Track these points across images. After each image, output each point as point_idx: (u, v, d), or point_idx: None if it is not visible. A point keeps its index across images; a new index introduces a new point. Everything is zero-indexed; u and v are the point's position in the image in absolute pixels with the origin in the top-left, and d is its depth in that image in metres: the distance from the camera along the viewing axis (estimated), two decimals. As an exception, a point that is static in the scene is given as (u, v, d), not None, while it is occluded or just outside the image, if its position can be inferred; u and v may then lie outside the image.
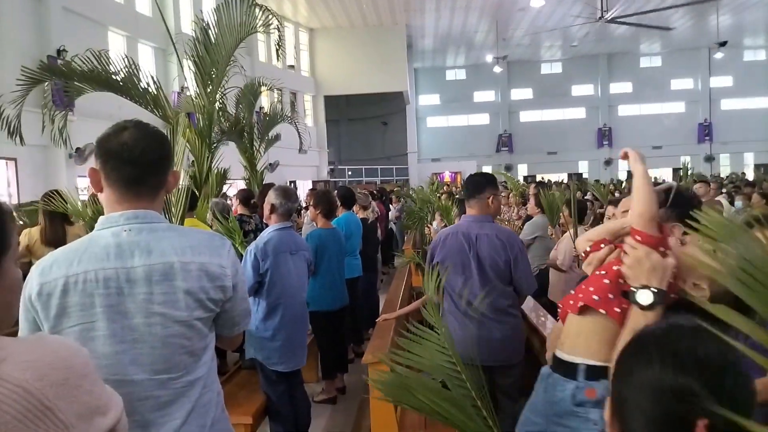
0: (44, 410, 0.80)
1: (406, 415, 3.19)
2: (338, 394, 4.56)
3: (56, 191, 4.32)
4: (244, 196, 5.20)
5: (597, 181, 18.55)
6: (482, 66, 29.53)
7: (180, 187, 3.28)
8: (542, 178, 22.29)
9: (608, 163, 29.89)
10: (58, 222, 4.22)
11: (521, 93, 31.10)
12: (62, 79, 5.42)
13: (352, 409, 4.39)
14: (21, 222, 5.46)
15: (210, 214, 4.76)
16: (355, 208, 6.04)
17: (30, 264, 2.48)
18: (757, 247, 0.81)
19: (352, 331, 5.39)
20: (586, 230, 4.42)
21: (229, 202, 5.84)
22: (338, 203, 5.43)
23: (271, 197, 3.28)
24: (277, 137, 8.24)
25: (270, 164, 14.91)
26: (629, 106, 30.49)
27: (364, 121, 29.73)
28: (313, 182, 22.13)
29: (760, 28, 26.32)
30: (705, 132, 29.74)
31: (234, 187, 7.32)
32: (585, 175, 28.22)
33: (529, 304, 4.53)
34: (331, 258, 4.44)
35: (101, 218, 1.46)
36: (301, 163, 20.37)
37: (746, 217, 1.10)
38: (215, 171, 5.98)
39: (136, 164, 1.43)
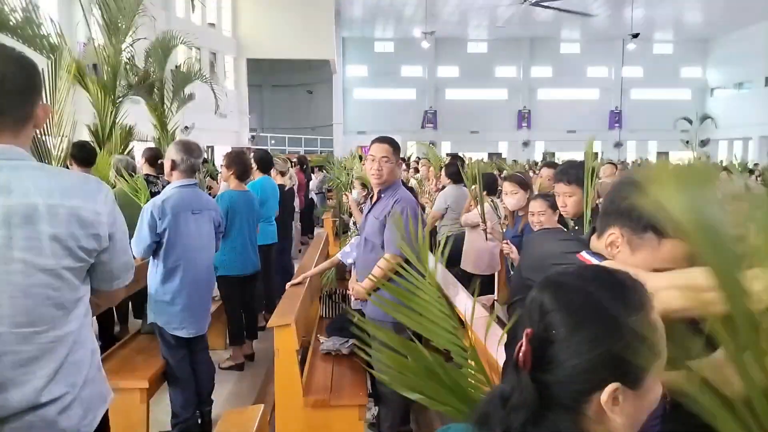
0: None
1: (312, 380, 3.17)
2: (246, 360, 4.47)
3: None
4: (151, 155, 4.88)
5: (515, 161, 19.21)
6: (410, 40, 29.50)
7: (61, 138, 3.03)
8: (463, 156, 22.76)
9: (526, 144, 31.03)
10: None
11: (448, 71, 31.43)
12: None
13: (259, 376, 4.32)
14: None
15: (113, 171, 4.45)
16: (273, 173, 5.87)
17: None
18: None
19: (265, 298, 5.28)
20: (493, 201, 4.57)
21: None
22: (254, 166, 5.25)
23: (171, 152, 3.07)
24: (191, 96, 7.83)
25: (186, 126, 14.22)
26: (548, 90, 31.65)
27: (289, 88, 28.97)
28: (233, 148, 21.39)
29: (669, 23, 28.01)
30: (615, 119, 31.48)
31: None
32: (504, 155, 29.15)
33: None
34: (242, 222, 4.29)
35: None
36: (220, 127, 19.59)
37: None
38: (119, 128, 5.62)
39: None
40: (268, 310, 5.44)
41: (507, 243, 3.55)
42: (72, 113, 3.94)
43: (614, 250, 1.18)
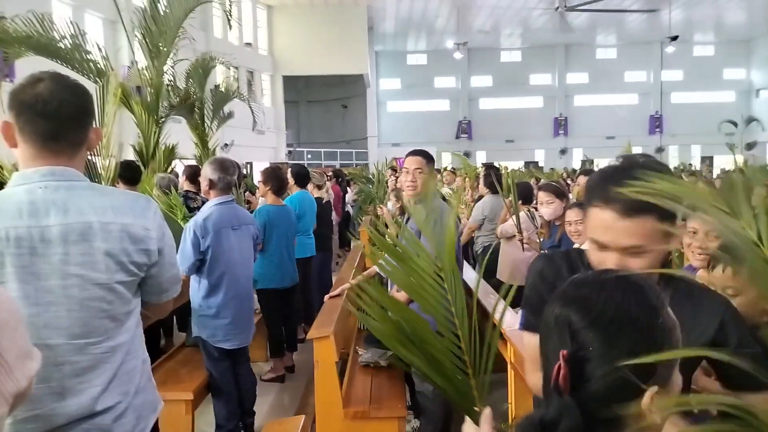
0: None
1: (351, 392, 3.19)
2: (287, 372, 4.53)
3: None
4: (192, 172, 5.05)
5: (552, 169, 18.94)
6: (443, 52, 29.55)
7: (109, 160, 3.16)
8: (499, 165, 22.57)
9: (563, 152, 30.55)
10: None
11: (481, 80, 31.32)
12: (-1, 43, 5.13)
13: (299, 388, 4.37)
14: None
15: (156, 189, 4.62)
16: (309, 187, 5.96)
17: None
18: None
19: (304, 311, 5.34)
20: (530, 211, 4.52)
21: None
22: (291, 181, 5.36)
23: (208, 171, 3.17)
24: (230, 115, 8.05)
25: (226, 144, 14.59)
26: (585, 97, 31.13)
27: (324, 103, 29.39)
28: (271, 164, 21.77)
29: (709, 24, 27.25)
30: (656, 124, 30.70)
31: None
32: (541, 164, 28.76)
33: (471, 275, 4.60)
34: (280, 235, 4.37)
35: (15, 174, 1.38)
36: (258, 144, 20.01)
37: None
38: (163, 146, 5.81)
39: (53, 118, 1.34)
40: (307, 322, 5.51)
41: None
42: (119, 134, 4.12)
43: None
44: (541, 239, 4.23)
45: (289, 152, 25.35)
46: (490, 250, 5.08)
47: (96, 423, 1.38)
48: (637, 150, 10.90)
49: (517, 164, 26.88)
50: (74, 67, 5.27)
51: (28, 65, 4.75)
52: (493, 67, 31.08)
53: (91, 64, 5.35)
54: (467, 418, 1.09)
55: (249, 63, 21.38)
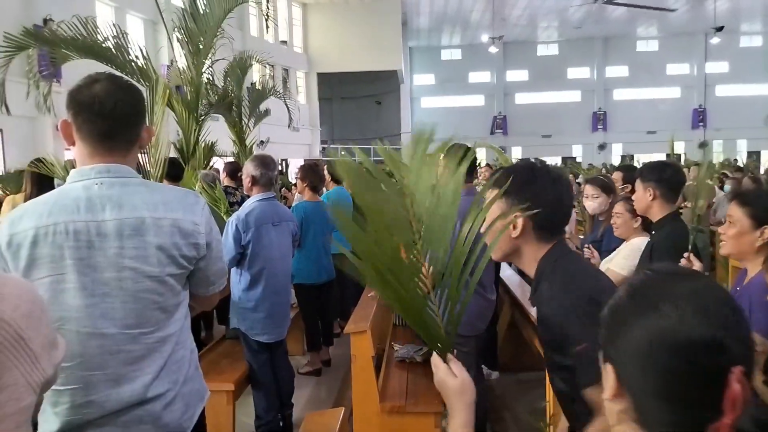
0: (18, 339, 0.82)
1: (387, 387, 3.22)
2: (323, 366, 4.59)
3: (42, 158, 4.27)
4: (232, 169, 5.17)
5: (591, 165, 18.57)
6: (478, 46, 29.27)
7: (159, 155, 3.26)
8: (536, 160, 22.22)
9: (602, 147, 29.89)
10: (45, 189, 4.16)
11: (517, 74, 30.91)
12: (47, 46, 5.33)
13: (336, 381, 4.42)
14: (4, 192, 5.42)
15: (199, 184, 4.73)
16: (346, 183, 6.01)
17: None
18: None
19: (339, 306, 5.40)
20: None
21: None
22: (327, 177, 5.41)
23: (250, 168, 3.24)
24: (267, 112, 8.15)
25: (262, 141, 14.81)
26: (624, 90, 30.39)
27: (358, 99, 29.49)
28: (305, 160, 22.03)
29: (756, 13, 26.19)
30: (699, 118, 29.75)
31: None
32: (579, 159, 28.23)
33: (514, 280, 4.57)
34: (316, 231, 4.43)
35: (72, 171, 1.45)
36: (293, 141, 20.23)
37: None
38: (202, 144, 5.94)
39: (108, 118, 1.41)
40: (342, 317, 5.57)
41: (588, 248, 3.46)
42: (167, 133, 4.24)
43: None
44: (581, 235, 4.17)
45: (324, 148, 25.56)
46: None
47: (147, 409, 1.43)
48: (680, 145, 10.58)
49: (554, 160, 26.46)
50: (117, 67, 5.43)
51: (73, 67, 4.94)
52: (529, 60, 30.63)
53: (133, 64, 5.50)
54: (434, 354, 1.12)
55: (284, 61, 21.64)
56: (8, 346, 0.80)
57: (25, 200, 4.18)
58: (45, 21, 10.43)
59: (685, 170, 6.77)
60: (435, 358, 1.11)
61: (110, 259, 1.38)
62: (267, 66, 10.87)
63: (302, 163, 21.86)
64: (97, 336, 1.38)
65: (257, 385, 3.32)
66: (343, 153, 26.41)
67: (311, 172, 4.60)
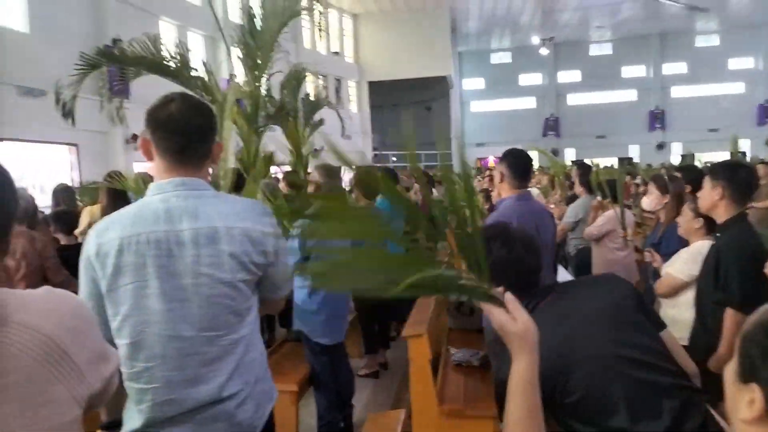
0: (62, 354, 0.85)
1: (445, 390, 3.26)
2: (380, 369, 4.68)
3: (117, 172, 4.57)
4: (290, 179, 5.35)
5: (648, 165, 17.96)
6: (528, 48, 28.89)
7: (227, 166, 3.44)
8: (591, 162, 21.72)
9: (660, 146, 28.81)
10: (119, 201, 4.45)
11: (569, 75, 30.26)
12: (117, 64, 5.68)
13: (393, 384, 4.50)
14: (81, 203, 5.80)
15: (260, 194, 4.93)
16: (398, 189, 6.09)
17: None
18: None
19: (395, 309, 5.47)
20: (622, 209, 4.38)
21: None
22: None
23: (316, 176, 3.38)
24: (321, 122, 8.36)
25: (315, 149, 15.17)
26: (683, 87, 29.21)
27: (408, 106, 29.63)
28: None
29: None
30: (765, 114, 28.23)
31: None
32: (636, 160, 27.30)
33: (566, 277, 4.54)
34: (372, 237, 4.52)
35: (151, 185, 1.56)
36: (345, 148, 20.36)
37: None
38: (262, 154, 6.17)
39: (182, 135, 1.52)
40: (398, 320, 5.64)
41: (650, 251, 3.42)
42: (234, 146, 4.44)
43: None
44: (632, 238, 4.13)
45: (375, 156, 25.80)
46: (581, 253, 4.97)
47: (221, 408, 1.52)
48: (745, 143, 10.10)
49: (609, 161, 25.71)
50: (182, 82, 5.72)
51: (141, 83, 5.26)
52: (581, 61, 29.95)
53: (196, 79, 5.78)
54: (486, 305, 1.04)
55: (336, 71, 22.05)
56: (52, 361, 0.84)
57: (101, 212, 4.48)
58: (114, 41, 11.06)
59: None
60: (486, 305, 1.04)
61: (187, 266, 1.47)
62: (320, 77, 11.12)
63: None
64: (176, 339, 1.47)
65: (319, 386, 3.44)
66: (394, 159, 26.60)
67: (363, 180, 4.71)
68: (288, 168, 7.29)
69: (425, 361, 3.14)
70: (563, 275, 4.67)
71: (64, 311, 0.91)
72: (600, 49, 30.11)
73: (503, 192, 3.07)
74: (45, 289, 0.95)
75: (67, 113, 5.19)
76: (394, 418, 2.43)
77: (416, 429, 3.10)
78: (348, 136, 10.42)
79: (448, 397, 3.18)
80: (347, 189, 8.03)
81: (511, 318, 1.03)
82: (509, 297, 1.05)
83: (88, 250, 1.49)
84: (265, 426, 1.66)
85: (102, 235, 1.48)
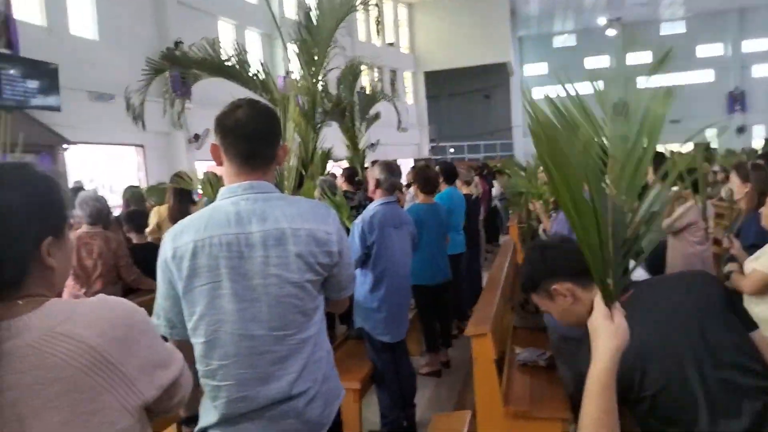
0: (107, 364, 0.87)
1: (510, 390, 3.15)
2: (443, 367, 4.60)
3: (183, 173, 4.70)
4: (349, 174, 5.35)
5: (728, 150, 16.85)
6: (594, 30, 27.75)
7: (290, 165, 3.45)
8: (664, 149, 20.64)
9: (741, 130, 26.99)
10: (184, 200, 4.59)
11: (638, 58, 28.81)
12: (180, 68, 5.84)
13: (456, 383, 4.41)
14: (149, 203, 6.02)
15: (318, 190, 4.93)
16: (458, 183, 5.97)
17: (161, 239, 2.75)
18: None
19: (456, 307, 5.38)
20: (704, 201, 4.08)
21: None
22: (440, 178, 5.40)
23: (376, 172, 3.38)
24: (377, 116, 8.32)
25: (372, 143, 15.20)
26: (766, 66, 27.22)
27: (465, 95, 29.10)
28: (415, 160, 22.16)
29: None
30: None
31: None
32: (713, 145, 25.73)
33: (641, 275, 4.28)
34: (430, 233, 4.43)
35: (222, 189, 1.61)
36: (402, 141, 20.48)
37: None
38: (320, 151, 6.19)
39: (250, 139, 1.56)
40: (459, 318, 5.53)
41: (728, 236, 3.17)
42: (298, 147, 4.49)
43: None
44: (713, 231, 3.85)
45: (432, 147, 25.58)
46: (655, 246, 4.68)
47: (291, 405, 1.56)
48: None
49: (684, 146, 24.29)
50: (241, 82, 5.82)
51: (200, 84, 5.38)
52: (652, 41, 28.45)
53: (254, 79, 5.86)
54: (598, 295, 1.09)
55: (392, 62, 21.98)
56: (97, 371, 0.86)
57: (169, 211, 4.63)
58: (176, 44, 11.45)
59: None
60: (597, 299, 1.09)
61: (257, 267, 1.51)
62: (375, 69, 11.09)
63: (412, 163, 22.07)
64: (248, 338, 1.51)
65: (381, 384, 3.41)
66: (451, 150, 26.30)
67: (421, 175, 4.63)
68: (345, 163, 7.30)
69: (490, 360, 3.04)
70: (639, 274, 4.41)
71: (114, 321, 0.92)
72: (672, 27, 28.50)
73: None
74: (98, 298, 0.97)
75: (137, 116, 5.40)
76: (459, 419, 2.35)
77: (481, 430, 3.01)
78: (404, 129, 10.33)
79: (513, 398, 3.07)
80: (405, 184, 7.98)
81: (609, 317, 1.06)
82: (617, 304, 1.08)
83: (164, 253, 1.55)
84: (333, 423, 1.69)
85: (177, 239, 1.53)
